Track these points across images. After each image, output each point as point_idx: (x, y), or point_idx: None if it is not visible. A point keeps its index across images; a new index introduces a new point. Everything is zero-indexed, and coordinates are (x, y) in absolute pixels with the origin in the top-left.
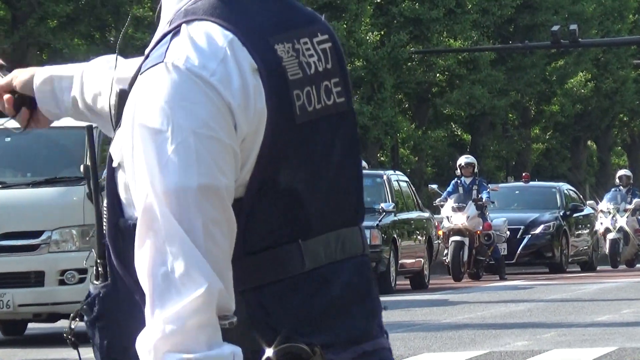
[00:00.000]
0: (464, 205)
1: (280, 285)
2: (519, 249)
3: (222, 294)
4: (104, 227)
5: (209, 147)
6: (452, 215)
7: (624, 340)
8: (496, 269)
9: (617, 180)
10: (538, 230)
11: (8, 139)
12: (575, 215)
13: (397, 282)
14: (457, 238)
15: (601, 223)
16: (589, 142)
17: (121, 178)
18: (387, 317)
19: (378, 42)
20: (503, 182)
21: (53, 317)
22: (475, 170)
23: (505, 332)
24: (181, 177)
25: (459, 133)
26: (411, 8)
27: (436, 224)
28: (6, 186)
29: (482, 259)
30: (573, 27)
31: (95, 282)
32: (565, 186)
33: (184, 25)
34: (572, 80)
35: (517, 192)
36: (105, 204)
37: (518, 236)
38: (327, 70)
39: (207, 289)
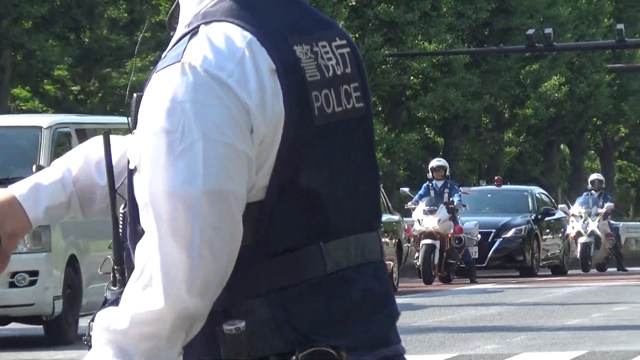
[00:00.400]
0: (436, 208)
1: (302, 287)
2: (490, 253)
3: (187, 309)
4: (122, 232)
5: (218, 152)
6: (424, 219)
7: (593, 344)
8: (467, 272)
9: (589, 185)
10: (509, 233)
11: None
12: (547, 219)
13: None
14: (428, 241)
15: (573, 227)
16: (562, 146)
17: (137, 181)
18: None
19: None
20: (475, 185)
21: (3, 320)
22: (447, 173)
23: (475, 336)
24: (185, 180)
25: (432, 136)
26: (386, 11)
27: (407, 227)
28: None
29: (452, 262)
30: (548, 30)
31: (112, 288)
32: (537, 190)
33: (202, 26)
34: (546, 84)
35: (489, 195)
36: (121, 209)
37: (489, 240)
38: (346, 74)
39: (163, 307)
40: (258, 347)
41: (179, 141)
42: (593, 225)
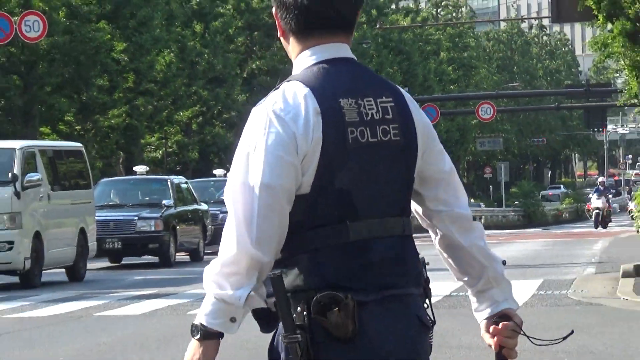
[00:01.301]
0: None
1: (330, 249)
2: None
3: (253, 256)
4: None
5: (272, 161)
6: None
7: None
8: None
9: None
10: None
11: None
12: None
13: (177, 257)
14: None
15: None
16: None
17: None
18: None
19: (245, 100)
20: None
21: None
22: None
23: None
24: (252, 176)
25: None
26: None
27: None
28: None
29: None
30: None
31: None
32: None
33: (284, 83)
34: None
35: None
36: None
37: None
38: (385, 118)
39: (236, 252)
40: (291, 285)
41: (252, 152)
42: None
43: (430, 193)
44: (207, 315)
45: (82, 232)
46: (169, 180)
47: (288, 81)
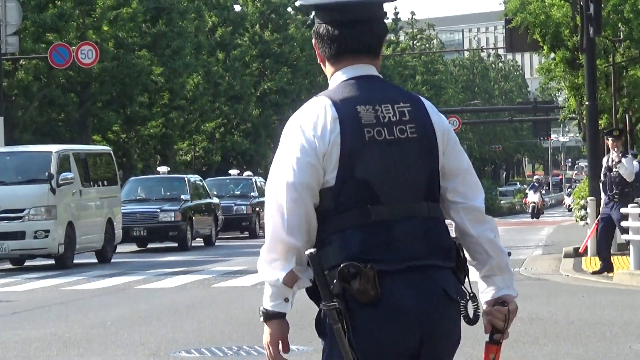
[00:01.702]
0: None
1: (354, 229)
2: None
3: (286, 242)
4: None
5: (296, 163)
6: None
7: None
8: None
9: None
10: None
11: (8, 158)
12: None
13: (193, 243)
14: None
15: None
16: None
17: None
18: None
19: (258, 114)
20: None
21: (31, 257)
22: None
23: None
24: (283, 175)
25: None
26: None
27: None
28: (4, 184)
29: None
30: None
31: None
32: None
33: (313, 98)
34: None
35: None
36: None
37: None
38: (402, 120)
39: (273, 241)
40: (327, 261)
41: (281, 156)
42: None
43: (449, 186)
44: (265, 299)
45: (109, 222)
46: (186, 179)
47: (317, 96)
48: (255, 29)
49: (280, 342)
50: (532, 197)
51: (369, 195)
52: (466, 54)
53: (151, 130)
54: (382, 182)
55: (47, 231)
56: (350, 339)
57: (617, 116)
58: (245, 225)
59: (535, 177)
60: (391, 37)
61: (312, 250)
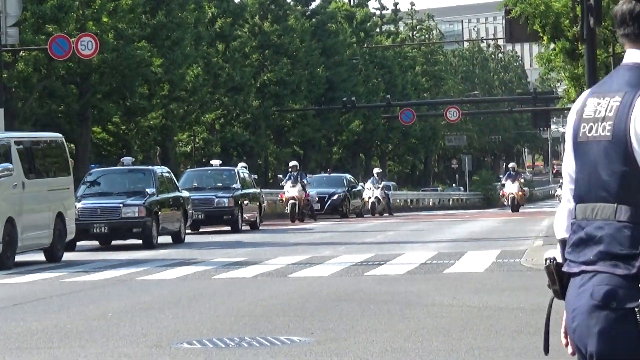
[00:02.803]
0: (294, 185)
1: (572, 224)
2: (326, 206)
3: (568, 208)
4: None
5: (565, 149)
6: (289, 190)
7: (378, 250)
8: (313, 217)
9: (374, 173)
10: (335, 197)
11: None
12: (353, 190)
13: (160, 240)
14: (292, 201)
15: (365, 194)
16: (361, 155)
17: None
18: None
19: (258, 105)
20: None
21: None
22: (298, 168)
23: (319, 247)
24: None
25: (298, 150)
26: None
27: (280, 194)
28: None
29: (305, 212)
30: (353, 98)
31: None
32: (348, 175)
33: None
34: (352, 124)
35: (324, 178)
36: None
37: (325, 200)
38: (607, 116)
39: (560, 208)
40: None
41: None
42: (377, 192)
43: None
44: (555, 251)
45: (60, 217)
46: (152, 170)
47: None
48: (255, 20)
49: None
50: (511, 188)
51: (576, 193)
52: (466, 44)
53: (151, 122)
54: (583, 181)
55: None
56: None
57: None
58: (227, 219)
59: (511, 164)
60: (391, 28)
61: None
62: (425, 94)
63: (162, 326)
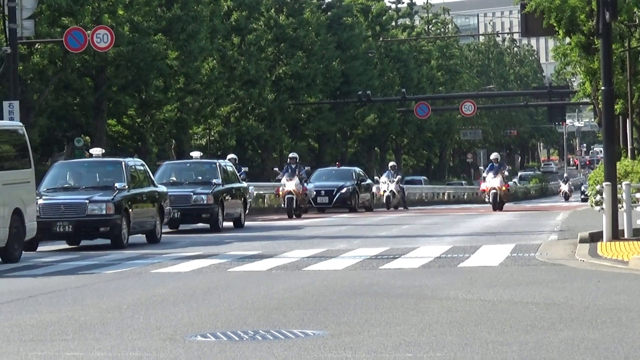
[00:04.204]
0: (291, 178)
1: None
2: (334, 199)
3: None
4: None
5: None
6: (286, 184)
7: (393, 244)
8: (320, 211)
9: (389, 167)
10: (344, 190)
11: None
12: (362, 183)
13: (132, 240)
14: (289, 195)
15: (381, 188)
16: (376, 148)
17: None
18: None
19: (273, 99)
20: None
21: None
22: (297, 160)
23: (334, 240)
24: None
25: (313, 143)
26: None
27: (277, 188)
28: None
29: (302, 206)
30: (368, 92)
31: None
32: (357, 169)
33: None
34: (367, 118)
35: (333, 171)
36: None
37: (334, 193)
38: None
39: None
40: None
41: None
42: (392, 186)
43: None
44: None
45: (18, 213)
46: (123, 163)
47: None
48: (271, 13)
49: None
50: (492, 182)
51: None
52: (481, 38)
53: (166, 115)
54: None
55: None
56: None
57: (633, 101)
58: (206, 217)
59: (493, 156)
60: (406, 21)
61: None
62: (440, 88)
63: (176, 319)
